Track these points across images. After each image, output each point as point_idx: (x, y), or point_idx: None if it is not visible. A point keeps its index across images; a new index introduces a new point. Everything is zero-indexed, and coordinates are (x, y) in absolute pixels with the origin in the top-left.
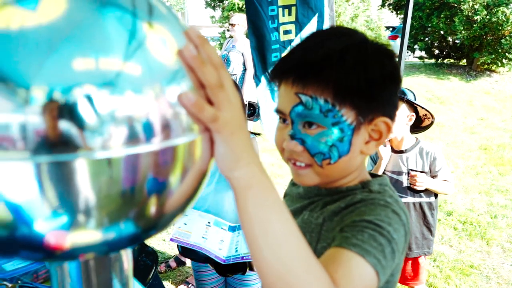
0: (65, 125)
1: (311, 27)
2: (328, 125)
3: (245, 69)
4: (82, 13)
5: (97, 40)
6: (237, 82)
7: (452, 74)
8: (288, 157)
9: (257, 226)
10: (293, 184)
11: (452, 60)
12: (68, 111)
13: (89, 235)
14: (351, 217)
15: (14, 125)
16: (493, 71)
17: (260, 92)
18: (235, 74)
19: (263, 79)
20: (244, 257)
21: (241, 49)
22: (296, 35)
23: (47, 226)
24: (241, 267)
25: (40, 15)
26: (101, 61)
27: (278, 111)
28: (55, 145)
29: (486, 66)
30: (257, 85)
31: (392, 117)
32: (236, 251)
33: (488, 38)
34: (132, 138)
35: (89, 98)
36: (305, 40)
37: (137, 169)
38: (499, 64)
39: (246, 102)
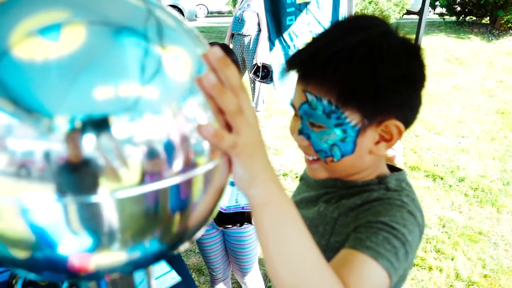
0: (88, 157)
1: None
2: (331, 126)
3: (259, 30)
4: (99, 41)
5: (113, 66)
6: (251, 43)
7: (474, 33)
8: (301, 149)
9: (272, 242)
10: None
11: (474, 18)
12: (92, 141)
13: (114, 256)
14: (367, 216)
15: (38, 155)
16: None
17: (274, 56)
18: (249, 35)
19: (277, 42)
20: (245, 207)
21: (256, 9)
22: None
23: (71, 249)
24: (239, 219)
25: (62, 45)
26: (120, 88)
27: (291, 104)
28: (79, 182)
29: (510, 25)
30: (271, 49)
31: (407, 120)
32: (237, 201)
33: None
34: (156, 174)
35: (113, 132)
36: (322, 34)
37: (160, 199)
38: None
39: (260, 64)
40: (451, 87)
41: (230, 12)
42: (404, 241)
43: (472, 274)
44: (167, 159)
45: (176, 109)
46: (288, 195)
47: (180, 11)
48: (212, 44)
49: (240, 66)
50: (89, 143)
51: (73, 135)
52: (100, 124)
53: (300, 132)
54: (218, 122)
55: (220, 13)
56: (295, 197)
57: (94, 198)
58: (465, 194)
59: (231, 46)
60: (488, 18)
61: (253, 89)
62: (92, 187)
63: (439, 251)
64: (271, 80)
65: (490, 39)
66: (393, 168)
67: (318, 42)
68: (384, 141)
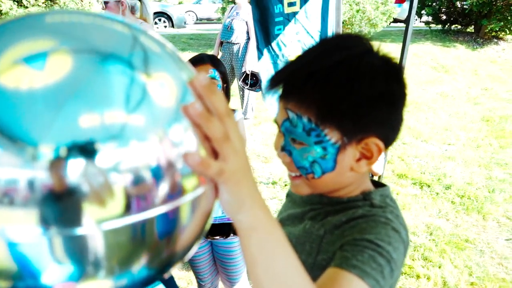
0: (73, 186)
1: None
2: (311, 143)
3: (248, 38)
4: (85, 69)
5: (99, 94)
6: (240, 51)
7: (459, 42)
8: (284, 165)
9: (260, 265)
10: None
11: (459, 27)
12: (77, 170)
13: (100, 284)
14: (352, 234)
15: (22, 184)
16: (501, 38)
17: (262, 65)
18: (238, 43)
19: (265, 52)
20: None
21: (245, 17)
22: (300, 7)
23: (55, 278)
24: (226, 230)
25: (47, 74)
26: (106, 116)
27: (275, 121)
28: (64, 212)
29: (493, 34)
30: (259, 58)
31: (388, 138)
32: (222, 212)
33: (498, 4)
34: (143, 203)
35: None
36: (304, 52)
37: (147, 228)
38: (508, 32)
39: (249, 72)
40: (438, 94)
41: (219, 19)
42: (389, 258)
43: (459, 281)
44: (154, 187)
45: (162, 135)
46: (275, 217)
47: (169, 18)
48: (200, 56)
49: (229, 76)
50: (74, 172)
51: (58, 164)
52: (85, 152)
53: (283, 148)
54: (204, 149)
55: (209, 20)
56: (282, 214)
57: (79, 230)
58: (451, 202)
59: (220, 54)
60: (472, 27)
61: (242, 96)
62: (77, 218)
63: (426, 259)
64: (260, 88)
65: (475, 47)
66: (377, 184)
67: (300, 60)
68: (365, 159)
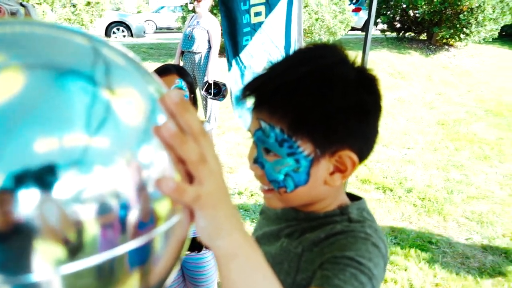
0: (26, 223)
1: (280, 8)
2: (284, 155)
3: (210, 47)
4: (39, 87)
5: (57, 115)
6: (201, 61)
7: (413, 48)
8: (256, 178)
9: None
10: None
11: (412, 34)
12: (31, 203)
13: None
14: (332, 251)
15: None
16: (451, 45)
17: (231, 77)
18: (199, 52)
19: (233, 63)
20: None
21: (206, 26)
22: (266, 17)
23: None
24: (196, 245)
25: None
26: (65, 139)
27: (249, 130)
28: (15, 256)
29: (444, 41)
30: (229, 69)
31: (362, 151)
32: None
33: (447, 13)
34: (110, 239)
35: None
36: (278, 63)
37: (116, 265)
38: (457, 39)
39: (211, 81)
40: (395, 100)
41: (179, 28)
42: (370, 275)
43: (424, 283)
44: (123, 219)
45: (130, 157)
46: (253, 239)
47: (128, 27)
48: (165, 66)
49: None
50: (26, 205)
51: (7, 197)
52: (40, 182)
53: (255, 161)
54: (178, 172)
55: (169, 29)
56: (257, 232)
57: (33, 277)
58: (413, 205)
59: (181, 63)
60: (425, 34)
61: (205, 106)
62: (29, 262)
63: (393, 263)
64: (223, 97)
65: (428, 54)
66: (352, 196)
67: (272, 70)
68: (339, 172)
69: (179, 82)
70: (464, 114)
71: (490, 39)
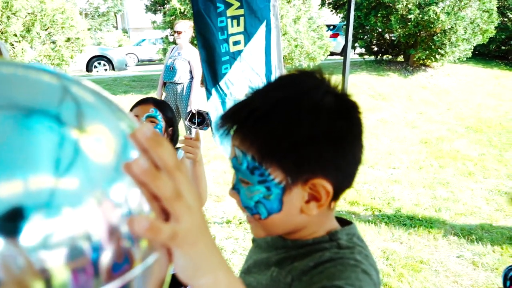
0: None
1: (259, 37)
2: (255, 182)
3: (192, 77)
4: (2, 129)
5: (20, 158)
6: (184, 91)
7: (391, 70)
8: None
9: None
10: None
11: (390, 57)
12: None
13: None
14: (321, 280)
15: None
16: (428, 66)
17: (211, 105)
18: (182, 83)
19: (213, 91)
20: None
21: (187, 57)
22: (245, 45)
23: None
24: (177, 282)
25: None
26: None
27: (229, 158)
28: None
29: (421, 62)
30: (208, 98)
31: (337, 180)
32: None
33: (422, 35)
34: (81, 286)
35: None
36: (256, 89)
37: None
38: (433, 60)
39: (194, 111)
40: (378, 121)
41: (161, 60)
42: None
43: None
44: (95, 263)
45: (101, 197)
46: (235, 274)
47: (109, 61)
48: (145, 100)
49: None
50: None
51: None
52: (3, 229)
53: (233, 187)
54: (153, 209)
55: (151, 61)
56: (248, 261)
57: None
58: (403, 224)
59: (164, 94)
60: (402, 56)
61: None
62: None
63: (386, 285)
64: (207, 126)
65: (406, 75)
66: (342, 221)
67: (249, 96)
68: (315, 201)
69: (153, 111)
70: (445, 131)
71: (465, 59)
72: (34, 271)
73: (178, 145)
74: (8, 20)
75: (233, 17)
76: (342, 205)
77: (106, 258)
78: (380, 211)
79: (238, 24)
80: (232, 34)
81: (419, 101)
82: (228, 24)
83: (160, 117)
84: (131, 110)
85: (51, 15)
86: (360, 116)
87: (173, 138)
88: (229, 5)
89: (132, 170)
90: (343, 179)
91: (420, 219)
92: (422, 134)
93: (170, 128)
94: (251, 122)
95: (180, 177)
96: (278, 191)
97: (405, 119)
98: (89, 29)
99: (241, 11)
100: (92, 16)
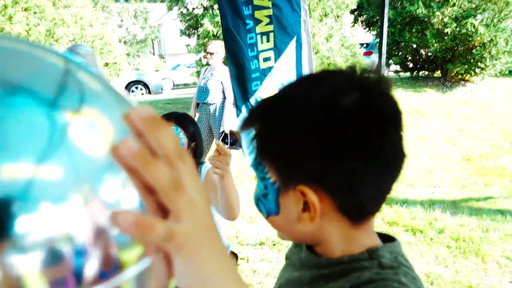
0: None
1: (289, 52)
2: (258, 178)
3: (224, 98)
4: None
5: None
6: (217, 111)
7: (428, 86)
8: None
9: None
10: (295, 245)
11: (426, 72)
12: None
13: None
14: None
15: None
16: (467, 80)
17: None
18: (214, 103)
19: (243, 109)
20: None
21: (220, 77)
22: (275, 62)
23: None
24: None
25: None
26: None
27: None
28: None
29: (460, 76)
30: (238, 115)
31: (338, 194)
32: None
33: (459, 49)
34: None
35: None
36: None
37: None
38: (473, 74)
39: (227, 131)
40: (416, 138)
41: (195, 83)
42: None
43: None
44: (77, 266)
45: (88, 193)
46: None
47: (146, 85)
48: (167, 115)
49: (207, 136)
50: None
51: None
52: None
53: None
54: (147, 205)
55: (186, 85)
56: (280, 280)
57: None
58: (447, 246)
59: (197, 115)
60: (439, 71)
61: None
62: None
63: None
64: (240, 146)
65: (444, 90)
66: (385, 237)
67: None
68: (308, 211)
69: (174, 129)
70: (489, 148)
71: (507, 72)
72: (7, 278)
73: (206, 159)
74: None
75: (262, 34)
76: (381, 226)
77: (90, 264)
78: (421, 232)
79: (268, 40)
80: (262, 51)
81: (459, 117)
82: (257, 40)
83: (181, 133)
84: None
85: (91, 41)
86: (389, 122)
87: (196, 153)
88: (258, 22)
89: (119, 154)
90: (349, 196)
91: (466, 240)
92: (463, 151)
93: (193, 143)
94: (255, 119)
95: (182, 167)
96: (273, 191)
97: (445, 135)
98: (127, 55)
99: (270, 27)
100: (131, 43)
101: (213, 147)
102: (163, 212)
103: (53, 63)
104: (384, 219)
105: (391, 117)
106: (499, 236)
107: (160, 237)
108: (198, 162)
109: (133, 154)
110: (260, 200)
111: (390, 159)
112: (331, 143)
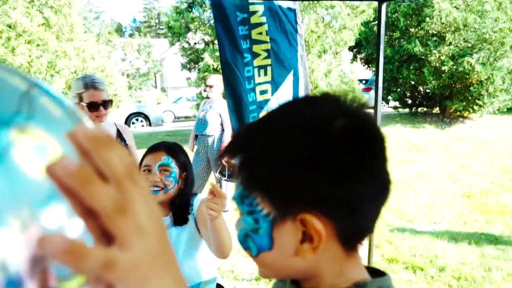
0: None
1: (286, 86)
2: (244, 213)
3: (222, 130)
4: None
5: None
6: (215, 143)
7: (427, 122)
8: None
9: None
10: (279, 280)
11: (425, 109)
12: None
13: None
14: None
15: None
16: (466, 117)
17: None
18: (212, 135)
19: None
20: None
21: (218, 110)
22: (272, 95)
23: None
24: None
25: None
26: None
27: None
28: None
29: (458, 113)
30: None
31: (338, 218)
32: None
33: (457, 86)
34: None
35: None
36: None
37: None
38: (471, 111)
39: (225, 163)
40: (416, 174)
41: (196, 116)
42: None
43: None
44: None
45: (27, 218)
46: None
47: (146, 117)
48: (156, 147)
49: (205, 168)
50: None
51: None
52: None
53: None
54: (89, 230)
55: (187, 118)
56: None
57: None
58: (448, 285)
59: (195, 147)
60: (438, 108)
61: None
62: None
63: None
64: None
65: (443, 127)
66: (374, 271)
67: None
68: (309, 242)
69: (165, 159)
70: (490, 185)
71: (505, 109)
72: None
73: (201, 199)
74: (51, 78)
75: (260, 67)
76: (380, 263)
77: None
78: (422, 269)
79: (265, 74)
80: (259, 84)
81: (458, 153)
82: (255, 73)
83: (173, 163)
84: (142, 158)
85: (92, 73)
86: (377, 145)
87: (187, 182)
88: (256, 55)
89: (55, 172)
90: (348, 218)
91: (468, 279)
92: (464, 187)
93: (184, 173)
94: (241, 146)
95: (132, 189)
96: (267, 224)
97: (445, 171)
98: (130, 88)
99: (268, 61)
100: (134, 77)
101: (211, 178)
102: (108, 238)
103: (13, 84)
104: (383, 256)
105: (381, 139)
106: (502, 276)
107: (97, 265)
108: (190, 192)
109: (70, 172)
110: (248, 237)
111: (382, 180)
112: (330, 166)
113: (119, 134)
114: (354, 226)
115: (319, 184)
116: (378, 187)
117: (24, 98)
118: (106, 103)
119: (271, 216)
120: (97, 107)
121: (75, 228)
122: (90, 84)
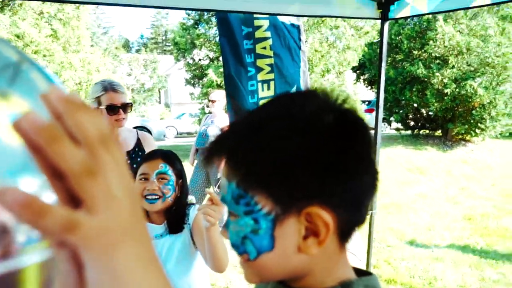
0: None
1: None
2: (241, 214)
3: None
4: None
5: None
6: None
7: (429, 144)
8: None
9: None
10: (258, 286)
11: (427, 131)
12: None
13: None
14: None
15: None
16: (468, 140)
17: None
18: None
19: None
20: None
21: (220, 125)
22: None
23: None
24: None
25: None
26: None
27: None
28: None
29: (460, 136)
30: None
31: (340, 209)
32: None
33: (460, 109)
34: None
35: None
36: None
37: None
38: (473, 134)
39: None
40: (416, 195)
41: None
42: None
43: None
44: None
45: None
46: None
47: (149, 131)
48: (152, 151)
49: (204, 182)
50: None
51: None
52: None
53: (225, 224)
54: (56, 192)
55: (189, 134)
56: None
57: None
58: None
59: (195, 161)
60: (440, 130)
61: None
62: None
63: None
64: None
65: (445, 149)
66: (360, 271)
67: (231, 124)
68: (314, 236)
69: (162, 166)
70: (491, 208)
71: (507, 134)
72: None
73: (198, 207)
74: None
75: (263, 81)
76: None
77: None
78: None
79: (268, 88)
80: (263, 98)
81: (460, 176)
82: (258, 88)
83: (170, 171)
84: (138, 166)
85: None
86: (365, 135)
87: (183, 190)
88: (260, 70)
89: (21, 127)
90: (349, 210)
91: None
92: (465, 210)
93: (180, 180)
94: (235, 144)
95: (104, 156)
96: (268, 223)
97: (446, 194)
98: (134, 102)
99: (271, 76)
100: (138, 91)
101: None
102: (75, 202)
103: (4, 54)
104: (381, 277)
105: (368, 130)
106: None
107: (58, 224)
108: (185, 200)
109: (37, 127)
110: (247, 239)
111: (374, 171)
112: (333, 159)
113: (138, 142)
114: (354, 217)
115: (321, 177)
116: (372, 177)
117: (11, 67)
118: (126, 106)
119: (272, 214)
120: (116, 110)
121: (48, 192)
122: (109, 86)
